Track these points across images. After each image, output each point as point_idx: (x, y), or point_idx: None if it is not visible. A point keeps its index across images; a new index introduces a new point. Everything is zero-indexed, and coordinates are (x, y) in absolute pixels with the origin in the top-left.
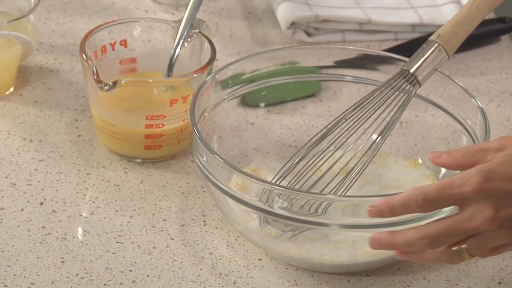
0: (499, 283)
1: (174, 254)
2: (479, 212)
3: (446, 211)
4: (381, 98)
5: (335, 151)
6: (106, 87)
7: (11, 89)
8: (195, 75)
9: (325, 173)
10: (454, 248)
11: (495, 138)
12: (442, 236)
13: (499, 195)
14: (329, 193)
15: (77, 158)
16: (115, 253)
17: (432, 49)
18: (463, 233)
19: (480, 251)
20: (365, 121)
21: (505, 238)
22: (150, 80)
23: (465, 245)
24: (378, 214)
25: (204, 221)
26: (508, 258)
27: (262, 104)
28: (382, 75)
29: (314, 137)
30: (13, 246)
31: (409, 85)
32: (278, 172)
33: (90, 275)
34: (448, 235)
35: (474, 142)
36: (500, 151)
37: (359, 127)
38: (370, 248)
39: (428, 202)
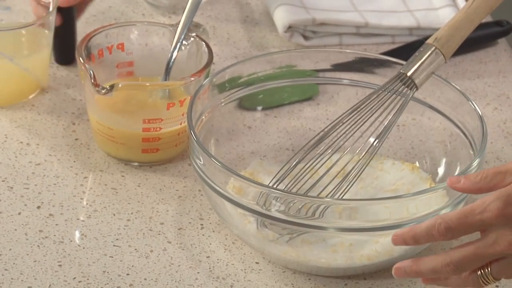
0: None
1: (172, 258)
2: (502, 237)
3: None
4: (378, 101)
5: (332, 154)
6: (103, 91)
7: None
8: (192, 79)
9: (322, 176)
10: (478, 273)
11: None
12: (466, 262)
13: None
14: (326, 196)
15: (74, 161)
16: (112, 257)
17: (429, 52)
18: (487, 258)
19: (505, 274)
20: (362, 124)
21: None
22: (147, 84)
23: (489, 269)
24: (402, 242)
25: (202, 224)
26: None
27: (259, 108)
28: (379, 78)
29: (311, 140)
30: (10, 249)
31: (406, 88)
32: (275, 175)
33: (88, 279)
34: (473, 260)
35: (471, 145)
36: None
37: (356, 130)
38: (395, 277)
39: (451, 231)
